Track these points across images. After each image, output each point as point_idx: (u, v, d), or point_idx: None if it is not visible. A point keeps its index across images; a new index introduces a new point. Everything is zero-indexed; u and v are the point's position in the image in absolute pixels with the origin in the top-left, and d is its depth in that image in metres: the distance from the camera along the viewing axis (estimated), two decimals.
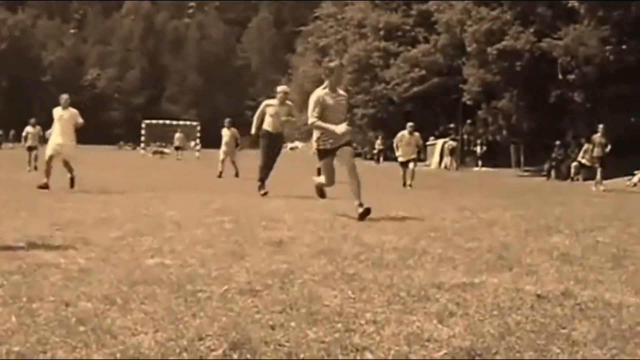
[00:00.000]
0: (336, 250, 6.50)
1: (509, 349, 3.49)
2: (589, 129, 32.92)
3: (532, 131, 39.09)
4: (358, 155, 66.70)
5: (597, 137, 23.51)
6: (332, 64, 10.03)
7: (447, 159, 45.61)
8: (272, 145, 14.35)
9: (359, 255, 6.23)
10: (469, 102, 42.13)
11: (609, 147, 23.00)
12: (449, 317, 4.11)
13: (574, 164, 31.15)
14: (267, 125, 14.31)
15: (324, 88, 9.87)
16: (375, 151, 55.17)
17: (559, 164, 33.23)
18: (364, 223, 8.79)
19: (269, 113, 14.37)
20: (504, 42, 35.65)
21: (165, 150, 53.23)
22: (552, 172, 33.32)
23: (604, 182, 22.90)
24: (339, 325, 3.93)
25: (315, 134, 9.95)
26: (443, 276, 5.30)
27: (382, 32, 58.14)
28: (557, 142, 34.03)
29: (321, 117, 9.66)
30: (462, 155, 47.97)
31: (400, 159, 21.19)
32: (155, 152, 53.72)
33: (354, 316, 4.13)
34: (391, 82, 53.86)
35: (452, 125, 54.41)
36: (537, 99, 36.46)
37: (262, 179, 14.14)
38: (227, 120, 25.92)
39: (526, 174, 37.97)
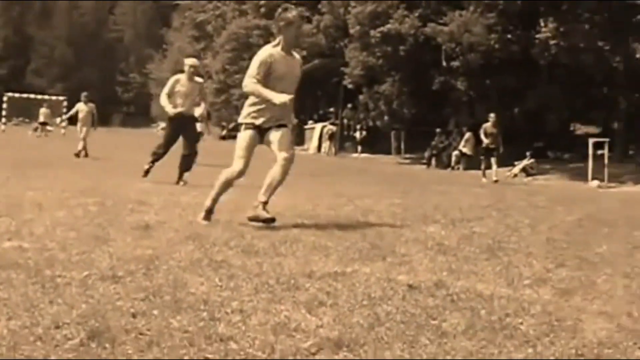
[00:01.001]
0: (205, 236, 6.46)
1: (378, 340, 3.55)
2: (471, 118, 33.80)
3: (413, 118, 39.79)
4: (234, 137, 66.53)
5: (488, 126, 23.97)
6: (290, 15, 7.75)
7: (325, 144, 45.95)
8: (179, 128, 13.07)
9: (228, 242, 6.21)
10: (350, 86, 42.48)
11: (500, 138, 23.74)
12: (318, 307, 4.15)
13: (455, 152, 31.95)
14: (177, 106, 13.01)
15: (276, 46, 7.77)
16: None
17: (440, 152, 34.00)
18: (234, 208, 8.74)
19: (178, 91, 13.09)
20: (388, 26, 36.02)
21: (49, 127, 51.39)
22: (433, 161, 34.05)
23: (487, 172, 23.43)
24: (204, 314, 3.91)
25: (247, 106, 7.82)
26: (314, 265, 5.34)
27: (263, 10, 57.89)
28: (438, 130, 34.78)
29: (265, 84, 7.53)
30: (341, 141, 48.38)
31: None
32: (37, 129, 51.63)
33: (220, 305, 4.12)
34: None
35: (332, 110, 54.79)
36: (420, 85, 37.06)
37: (153, 161, 13.12)
38: (84, 94, 24.97)
39: (406, 161, 38.64)
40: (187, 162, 13.06)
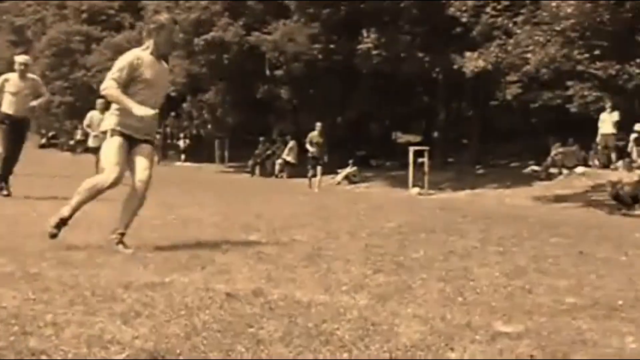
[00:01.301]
0: (19, 248, 6.27)
1: (194, 349, 3.53)
2: (295, 126, 34.22)
3: (237, 126, 39.93)
4: (54, 145, 64.79)
5: (314, 135, 24.26)
6: (162, 17, 7.18)
7: None
8: (14, 131, 12.12)
9: (44, 253, 6.04)
10: (173, 94, 42.12)
11: (326, 147, 24.28)
12: (134, 318, 4.08)
13: (279, 161, 32.22)
14: (7, 107, 12.07)
15: (144, 50, 6.99)
16: (72, 142, 53.78)
17: (263, 160, 34.19)
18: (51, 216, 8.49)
19: (8, 91, 12.10)
20: (212, 33, 36.00)
21: None
22: (257, 169, 34.20)
23: (312, 180, 23.77)
24: (15, 328, 3.78)
25: (114, 112, 6.88)
26: (132, 275, 5.26)
27: (84, 15, 56.71)
28: (262, 139, 35.01)
29: (128, 89, 6.76)
30: (164, 149, 47.88)
31: None
32: None
33: (33, 318, 3.98)
34: (92, 69, 52.58)
35: None
36: (243, 94, 37.21)
37: (4, 176, 12.12)
38: None
39: (230, 169, 38.66)
40: (7, 166, 12.16)
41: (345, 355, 3.49)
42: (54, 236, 6.55)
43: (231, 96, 38.77)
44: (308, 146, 24.34)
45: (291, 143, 32.02)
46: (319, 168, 23.93)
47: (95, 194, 6.76)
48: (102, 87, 6.82)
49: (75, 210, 6.70)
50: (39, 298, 4.48)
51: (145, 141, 6.93)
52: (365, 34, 29.91)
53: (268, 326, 3.98)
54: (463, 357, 3.50)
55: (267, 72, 35.44)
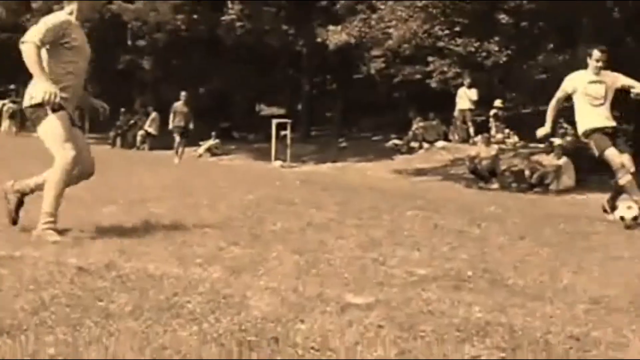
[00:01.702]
0: None
1: (41, 324, 3.46)
2: (157, 97, 33.75)
3: (98, 97, 38.94)
4: None
5: (179, 105, 23.68)
6: None
7: (6, 123, 43.85)
8: None
9: None
10: None
11: (192, 117, 23.59)
12: None
13: (141, 132, 31.73)
14: None
15: (70, 14, 6.34)
16: None
17: (125, 132, 33.57)
18: None
19: None
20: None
21: None
22: (118, 140, 33.57)
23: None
24: None
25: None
26: None
27: None
28: (123, 110, 34.36)
29: (57, 57, 6.17)
30: (23, 119, 46.40)
31: None
32: None
33: None
34: None
35: (12, 87, 52.42)
36: (104, 64, 36.34)
37: None
38: None
39: (91, 141, 37.60)
40: None
41: (195, 328, 3.49)
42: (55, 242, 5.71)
43: (91, 66, 37.80)
44: (172, 116, 23.86)
45: (153, 114, 31.55)
46: (183, 139, 23.55)
47: (68, 180, 6.13)
48: (22, 40, 5.97)
49: (57, 204, 6.03)
50: None
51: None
52: (230, 5, 29.74)
53: (118, 300, 3.94)
54: (312, 328, 3.54)
55: (130, 42, 34.80)
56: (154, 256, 5.20)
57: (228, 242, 5.87)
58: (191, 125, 23.70)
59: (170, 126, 23.98)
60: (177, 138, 23.67)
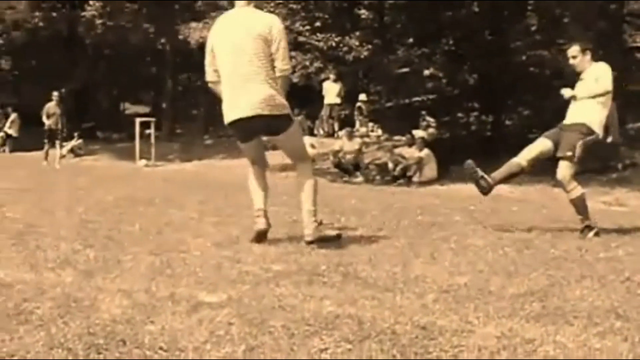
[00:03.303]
0: None
1: None
2: (16, 98, 32.85)
3: None
4: None
5: (51, 106, 22.75)
6: None
7: None
8: None
9: None
10: None
11: (64, 118, 22.78)
12: None
13: (0, 134, 30.82)
14: None
15: None
16: None
17: None
18: None
19: None
20: None
21: None
22: None
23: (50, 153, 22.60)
24: None
25: None
26: None
27: None
28: None
29: None
30: None
31: None
32: None
33: None
34: None
35: None
36: None
37: None
38: None
39: None
40: None
41: (43, 334, 3.45)
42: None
43: None
44: (45, 119, 22.71)
45: (13, 115, 30.66)
46: (57, 141, 22.63)
47: None
48: None
49: None
50: None
51: None
52: (90, 2, 29.23)
53: None
54: (162, 329, 3.56)
55: None
56: (5, 262, 5.10)
57: (83, 245, 5.81)
58: (64, 128, 23.04)
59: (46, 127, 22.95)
60: (49, 141, 22.81)
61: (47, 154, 22.77)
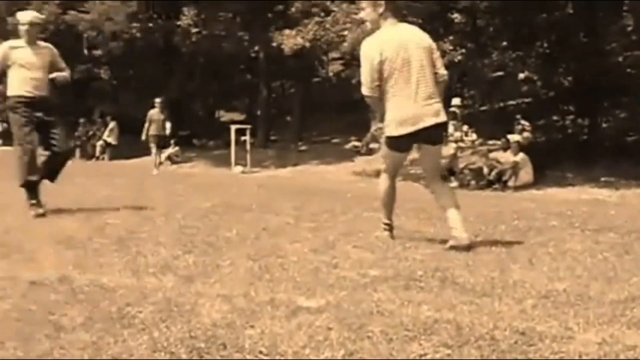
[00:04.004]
0: None
1: None
2: (115, 107, 33.60)
3: (58, 108, 38.76)
4: None
5: (154, 113, 22.48)
6: None
7: None
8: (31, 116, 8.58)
9: None
10: None
11: (169, 124, 22.44)
12: None
13: (100, 142, 31.56)
14: (19, 87, 8.65)
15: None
16: None
17: (84, 142, 33.37)
18: None
19: (17, 62, 8.65)
20: None
21: None
22: (77, 151, 33.33)
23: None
24: None
25: None
26: None
27: None
28: (82, 120, 34.15)
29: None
30: None
31: None
32: None
33: None
34: None
35: None
36: None
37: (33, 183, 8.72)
38: None
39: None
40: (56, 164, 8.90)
41: (146, 337, 3.53)
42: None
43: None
44: (147, 124, 22.45)
45: (112, 124, 31.43)
46: (159, 150, 22.76)
47: None
48: None
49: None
50: None
51: None
52: (185, 12, 29.72)
53: (71, 312, 3.98)
54: (262, 333, 3.60)
55: (86, 52, 34.59)
56: (108, 267, 5.22)
57: (182, 251, 5.90)
58: (167, 131, 22.64)
59: (144, 136, 22.63)
60: (154, 149, 22.62)
61: (158, 161, 22.65)
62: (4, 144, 41.82)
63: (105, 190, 11.90)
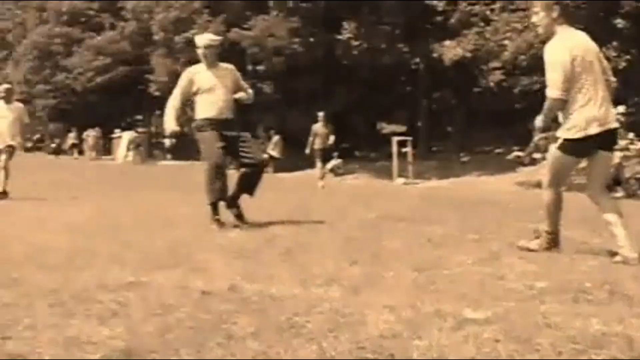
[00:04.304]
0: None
1: (167, 347, 3.61)
2: (278, 121, 34.25)
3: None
4: (39, 149, 64.83)
5: (318, 126, 22.46)
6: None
7: (131, 153, 45.31)
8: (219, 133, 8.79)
9: (24, 258, 6.13)
10: (156, 93, 42.05)
11: (333, 137, 22.40)
12: (110, 318, 4.17)
13: (264, 156, 32.22)
14: (206, 111, 8.92)
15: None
16: (54, 145, 54.51)
17: None
18: (34, 222, 8.61)
19: (202, 88, 8.91)
20: (192, 31, 35.98)
21: None
22: None
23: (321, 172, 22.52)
24: None
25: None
26: (110, 276, 5.33)
27: (64, 17, 56.69)
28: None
29: None
30: (150, 148, 47.87)
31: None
32: None
33: (12, 322, 4.08)
34: (74, 71, 52.63)
35: (139, 117, 54.17)
36: None
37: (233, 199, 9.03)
38: None
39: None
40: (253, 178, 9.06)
41: (315, 347, 3.57)
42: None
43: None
44: (312, 139, 22.46)
45: (275, 138, 32.07)
46: (318, 163, 22.57)
47: None
48: None
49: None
50: (19, 303, 4.57)
51: None
52: (345, 25, 30.03)
53: (241, 322, 4.06)
54: (429, 344, 3.58)
55: (249, 68, 35.44)
56: (275, 278, 5.31)
57: (348, 262, 5.94)
58: (331, 144, 22.66)
59: (308, 150, 22.69)
60: (319, 163, 22.63)
61: (322, 174, 22.65)
62: (173, 158, 43.52)
63: (272, 203, 12.10)
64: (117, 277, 5.32)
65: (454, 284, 5.08)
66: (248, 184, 8.92)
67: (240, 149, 8.85)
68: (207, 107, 8.81)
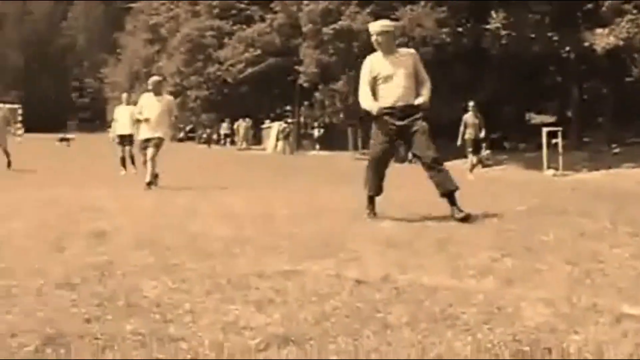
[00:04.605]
0: (159, 241, 6.57)
1: (323, 334, 3.68)
2: (427, 111, 34.06)
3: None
4: (191, 139, 66.79)
5: (468, 116, 22.27)
6: None
7: (281, 143, 46.03)
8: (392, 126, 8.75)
9: (182, 245, 6.33)
10: (305, 84, 42.52)
11: (483, 130, 22.18)
12: (267, 305, 4.28)
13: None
14: (383, 99, 8.72)
15: None
16: (205, 135, 56.13)
17: (397, 147, 34.10)
18: (190, 211, 8.88)
19: (380, 75, 8.76)
20: (340, 22, 36.16)
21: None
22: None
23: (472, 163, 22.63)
24: (157, 316, 4.05)
25: None
26: (266, 264, 5.46)
27: (216, 10, 58.10)
28: None
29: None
30: (299, 139, 48.51)
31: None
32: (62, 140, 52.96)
33: (172, 307, 4.24)
34: (225, 63, 53.87)
35: (288, 108, 54.91)
36: None
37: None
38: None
39: (364, 157, 38.73)
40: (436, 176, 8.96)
41: (470, 338, 3.57)
42: None
43: None
44: (463, 128, 22.26)
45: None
46: (470, 154, 22.61)
47: None
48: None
49: None
50: (178, 287, 4.75)
51: None
52: (493, 15, 29.54)
53: (395, 311, 4.10)
54: (586, 339, 3.52)
55: None
56: (427, 268, 5.32)
57: (500, 254, 5.88)
58: (482, 135, 22.43)
59: (460, 141, 22.45)
60: (470, 153, 22.51)
61: (472, 165, 22.45)
62: (322, 149, 43.98)
63: (422, 194, 12.03)
64: (273, 265, 5.44)
65: (610, 278, 4.96)
66: (437, 184, 8.85)
67: (412, 142, 8.80)
68: (385, 95, 8.67)
